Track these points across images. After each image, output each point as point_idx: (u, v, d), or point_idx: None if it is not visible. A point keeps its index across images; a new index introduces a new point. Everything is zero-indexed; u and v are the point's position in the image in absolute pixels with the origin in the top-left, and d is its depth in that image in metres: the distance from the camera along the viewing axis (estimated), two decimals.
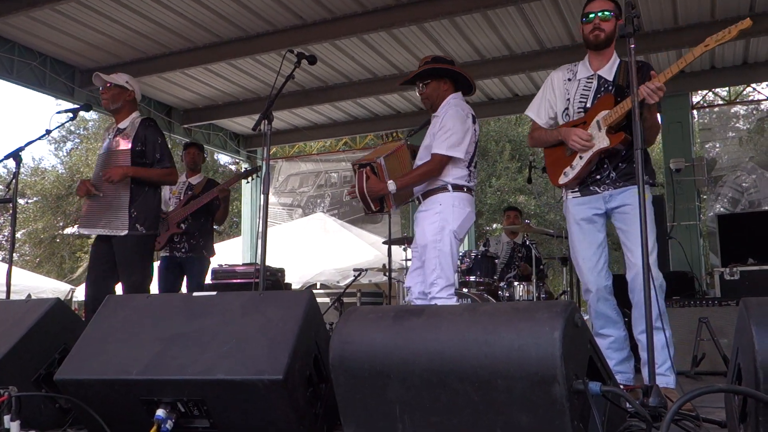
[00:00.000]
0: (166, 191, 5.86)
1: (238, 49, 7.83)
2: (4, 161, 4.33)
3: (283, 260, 8.32)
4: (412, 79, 4.10)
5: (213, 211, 5.87)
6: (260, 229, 3.46)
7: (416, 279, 3.99)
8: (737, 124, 9.61)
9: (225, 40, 7.82)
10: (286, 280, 7.80)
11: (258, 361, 2.17)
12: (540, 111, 3.67)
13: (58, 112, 4.55)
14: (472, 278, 6.44)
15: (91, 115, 19.26)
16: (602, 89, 3.44)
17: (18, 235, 20.00)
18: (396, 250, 7.95)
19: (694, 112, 9.66)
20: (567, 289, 6.68)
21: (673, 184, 8.70)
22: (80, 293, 12.85)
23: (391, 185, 3.83)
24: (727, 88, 9.74)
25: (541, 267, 6.67)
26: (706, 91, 9.65)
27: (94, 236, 4.50)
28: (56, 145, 22.84)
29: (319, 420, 2.39)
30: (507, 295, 6.47)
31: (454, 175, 3.94)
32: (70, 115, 4.55)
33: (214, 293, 2.50)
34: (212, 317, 2.38)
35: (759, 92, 9.75)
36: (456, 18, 7.17)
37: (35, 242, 20.97)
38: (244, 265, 7.67)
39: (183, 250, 5.68)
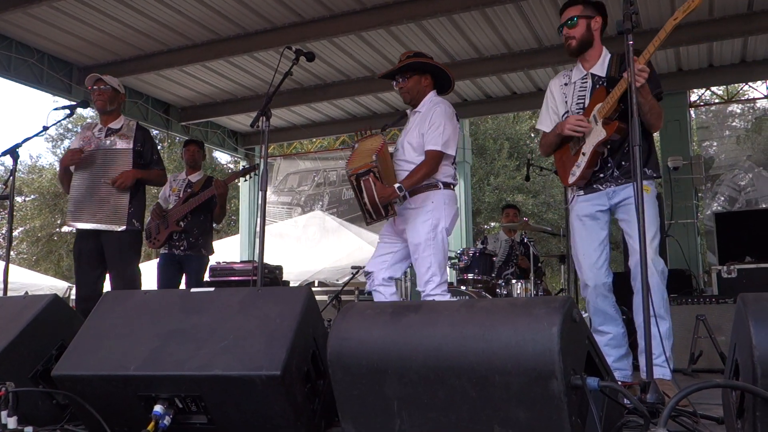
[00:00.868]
0: (166, 189, 5.88)
1: (236, 47, 7.82)
2: (1, 158, 4.32)
3: (281, 258, 8.32)
4: (392, 74, 4.13)
5: (212, 209, 5.86)
6: (258, 227, 3.46)
7: (380, 266, 3.95)
8: (734, 123, 9.61)
9: (223, 38, 7.80)
10: (284, 278, 7.81)
11: (256, 357, 2.17)
12: (546, 121, 3.73)
13: (56, 109, 4.56)
14: (470, 276, 6.44)
15: (88, 113, 19.21)
16: (596, 85, 3.48)
17: (15, 233, 19.98)
18: None
19: (692, 110, 9.67)
20: (565, 286, 6.68)
21: (671, 182, 8.72)
22: None
23: (400, 188, 3.76)
24: (724, 87, 9.74)
25: (539, 264, 6.67)
26: (704, 90, 9.65)
27: (75, 232, 4.53)
28: (53, 143, 22.81)
29: (317, 416, 2.38)
30: (505, 292, 6.47)
31: (444, 173, 3.97)
32: (68, 111, 4.55)
33: (212, 289, 2.50)
34: (210, 313, 2.38)
35: (756, 90, 9.75)
36: (454, 15, 7.16)
37: (32, 240, 20.94)
38: (241, 262, 7.66)
39: (182, 248, 5.68)
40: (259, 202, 3.62)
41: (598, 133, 3.32)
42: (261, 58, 8.36)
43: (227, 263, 7.39)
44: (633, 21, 2.66)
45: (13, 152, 4.24)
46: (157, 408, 2.24)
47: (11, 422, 2.03)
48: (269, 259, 7.04)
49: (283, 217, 11.85)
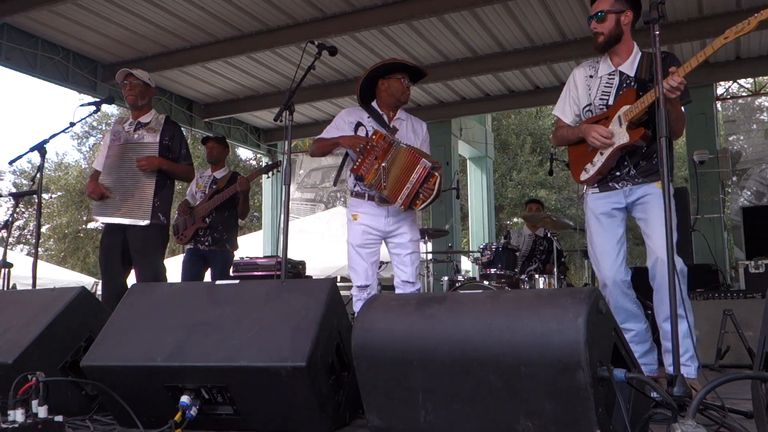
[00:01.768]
0: (192, 185, 5.92)
1: (258, 42, 7.87)
2: (29, 154, 4.37)
3: (304, 254, 8.35)
4: (408, 69, 4.25)
5: (236, 205, 5.89)
6: (282, 222, 3.47)
7: (375, 277, 4.25)
8: (762, 116, 9.46)
9: (245, 33, 7.86)
10: (307, 273, 7.83)
11: (281, 349, 2.18)
12: (565, 109, 3.64)
13: (82, 105, 4.61)
14: (493, 271, 6.40)
15: (113, 110, 19.43)
16: (624, 85, 3.40)
17: (42, 230, 20.27)
18: None
19: (718, 103, 9.53)
20: (588, 282, 6.63)
21: (696, 176, 8.61)
22: None
23: None
24: (752, 79, 9.58)
25: (563, 260, 6.62)
26: (731, 83, 9.51)
27: (102, 227, 4.55)
28: (79, 141, 23.13)
29: (342, 407, 2.39)
30: (528, 287, 6.43)
31: None
32: (93, 108, 4.59)
33: (237, 281, 2.51)
34: (235, 305, 2.40)
35: None
36: (476, 9, 7.14)
37: (59, 237, 21.24)
38: (265, 257, 7.69)
39: (206, 243, 5.73)
40: (283, 197, 3.63)
41: (621, 136, 3.25)
42: (283, 54, 8.40)
43: (251, 258, 7.42)
44: (660, 11, 2.61)
45: (40, 148, 4.28)
46: (184, 399, 2.26)
47: (42, 411, 2.06)
48: (292, 254, 7.04)
49: (306, 213, 11.89)
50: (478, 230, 11.88)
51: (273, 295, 2.39)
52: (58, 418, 2.08)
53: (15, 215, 5.55)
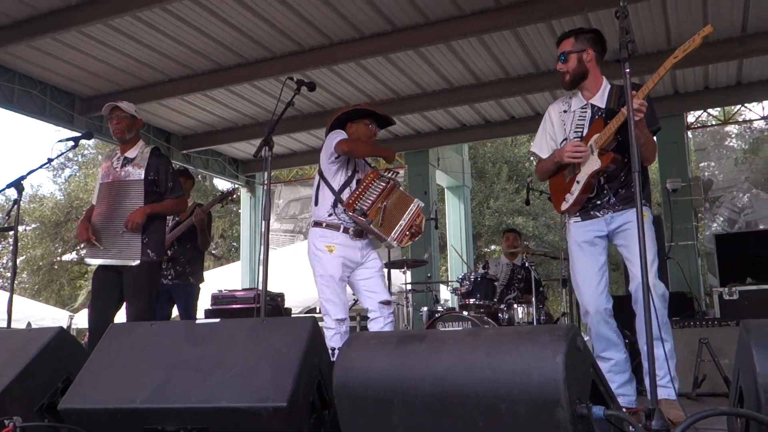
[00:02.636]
0: None
1: (236, 76, 7.91)
2: (5, 190, 4.34)
3: (282, 285, 8.32)
4: (374, 115, 4.43)
5: (192, 238, 5.80)
6: (262, 255, 3.48)
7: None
8: (731, 144, 9.68)
9: (224, 67, 7.90)
10: (286, 305, 7.80)
11: (262, 388, 2.18)
12: (542, 146, 3.78)
13: (60, 141, 4.58)
14: (472, 301, 6.43)
15: (88, 142, 19.32)
16: (596, 116, 3.54)
17: (17, 262, 19.95)
18: (396, 273, 7.96)
19: (689, 132, 9.74)
20: (567, 310, 6.68)
21: (670, 203, 8.74)
22: (79, 320, 12.80)
23: None
24: (720, 109, 9.82)
25: (541, 289, 6.67)
26: (701, 112, 9.73)
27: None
28: (54, 172, 22.89)
29: None
30: (507, 317, 6.46)
31: None
32: (72, 143, 4.57)
33: (217, 320, 2.51)
34: (215, 344, 2.39)
35: (753, 111, 9.82)
36: (452, 42, 7.25)
37: (33, 269, 20.92)
38: (243, 290, 7.67)
39: (170, 277, 5.60)
40: (262, 230, 3.64)
41: (593, 163, 3.38)
42: (261, 87, 8.45)
43: (229, 291, 7.39)
44: (629, 49, 2.70)
45: (18, 185, 4.26)
46: None
47: None
48: (271, 286, 7.04)
49: (285, 244, 11.87)
50: (457, 259, 11.92)
51: (254, 333, 2.39)
52: None
53: None
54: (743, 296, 6.09)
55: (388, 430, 2.01)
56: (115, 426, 2.27)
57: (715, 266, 7.85)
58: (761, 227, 8.96)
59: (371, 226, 4.07)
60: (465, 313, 6.25)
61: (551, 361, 1.79)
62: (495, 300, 6.56)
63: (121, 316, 4.47)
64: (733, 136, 9.71)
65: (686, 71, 8.16)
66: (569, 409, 1.75)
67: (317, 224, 4.29)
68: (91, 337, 4.31)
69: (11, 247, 4.46)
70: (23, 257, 20.54)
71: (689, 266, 8.41)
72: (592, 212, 3.55)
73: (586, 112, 3.60)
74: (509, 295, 7.10)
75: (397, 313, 8.00)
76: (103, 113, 4.52)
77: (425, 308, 7.18)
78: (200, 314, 9.49)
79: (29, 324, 11.38)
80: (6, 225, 4.46)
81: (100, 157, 16.41)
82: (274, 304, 6.99)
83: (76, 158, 22.48)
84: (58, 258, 21.18)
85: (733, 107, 9.86)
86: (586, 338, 2.92)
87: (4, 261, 20.65)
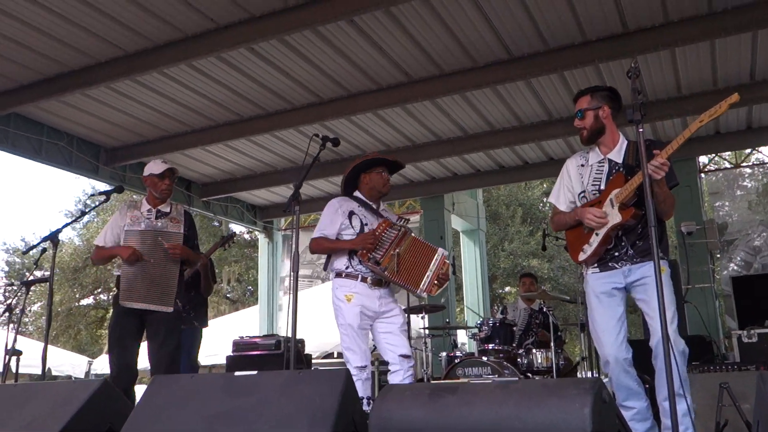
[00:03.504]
0: None
1: (256, 126, 8.14)
2: (42, 244, 4.50)
3: (301, 330, 8.37)
4: (386, 162, 4.60)
5: (195, 284, 5.97)
6: (290, 308, 3.61)
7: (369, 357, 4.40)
8: (745, 183, 9.77)
9: (244, 118, 8.13)
10: (306, 351, 7.88)
11: None
12: (560, 197, 3.89)
13: (92, 194, 4.81)
14: (491, 346, 6.49)
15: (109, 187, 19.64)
16: (613, 171, 3.65)
17: (35, 308, 20.14)
18: (414, 318, 8.03)
19: (702, 175, 9.85)
20: (585, 355, 6.71)
21: (685, 246, 8.81)
22: (98, 365, 12.90)
23: None
24: (733, 153, 9.95)
25: (559, 333, 6.72)
26: (713, 156, 9.86)
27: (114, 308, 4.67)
28: (73, 218, 23.26)
29: None
30: (526, 362, 6.51)
31: None
32: (104, 197, 4.76)
33: (255, 372, 2.62)
34: (253, 396, 2.50)
35: (763, 154, 9.94)
36: (467, 93, 7.46)
37: (53, 315, 21.10)
38: (263, 336, 7.77)
39: None
40: (291, 282, 3.77)
41: (614, 217, 3.48)
42: (281, 136, 8.68)
43: (250, 338, 7.50)
44: (642, 111, 2.84)
45: (53, 238, 4.42)
46: None
47: None
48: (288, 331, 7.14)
49: (303, 288, 11.98)
50: (473, 302, 11.98)
51: (290, 385, 2.50)
52: None
53: (14, 298, 5.65)
54: (762, 338, 6.10)
55: None
56: None
57: (732, 309, 7.88)
58: None
59: (386, 273, 4.20)
60: (484, 358, 6.32)
61: (579, 414, 1.89)
62: (514, 345, 6.62)
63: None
64: (747, 176, 9.81)
65: (696, 116, 8.29)
66: None
67: (338, 275, 4.43)
68: (116, 380, 4.43)
69: (46, 298, 4.62)
70: (40, 303, 20.74)
71: (707, 309, 8.44)
72: (610, 263, 3.63)
73: (603, 166, 3.72)
74: (528, 340, 7.15)
75: (415, 357, 8.07)
76: (154, 170, 4.66)
77: (444, 353, 7.25)
78: (221, 360, 9.58)
79: (49, 370, 11.49)
80: (42, 277, 4.61)
81: (116, 202, 16.66)
82: (296, 350, 7.06)
83: (93, 204, 22.86)
84: (76, 303, 21.37)
85: (745, 150, 10.00)
86: (604, 380, 3.00)
87: (33, 308, 20.80)
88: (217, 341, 10.75)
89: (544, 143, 9.12)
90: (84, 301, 21.67)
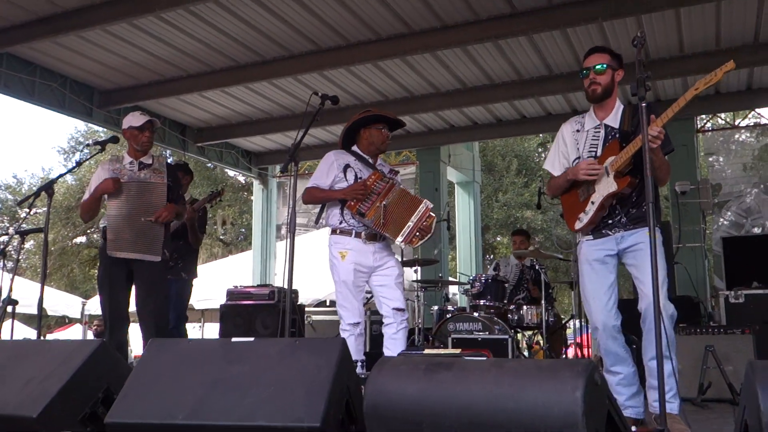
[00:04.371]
0: None
1: (254, 74, 8.03)
2: (39, 194, 4.46)
3: (295, 278, 8.46)
4: (387, 120, 4.57)
5: (183, 234, 5.95)
6: (286, 271, 3.65)
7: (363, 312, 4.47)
8: (741, 148, 9.76)
9: (241, 65, 8.01)
10: (299, 302, 7.98)
11: (296, 408, 2.33)
12: (555, 163, 3.88)
13: (88, 144, 4.78)
14: (482, 302, 6.59)
15: (101, 129, 19.45)
16: (609, 137, 3.63)
17: (28, 245, 20.17)
18: (408, 271, 8.10)
19: (699, 135, 9.82)
20: (574, 313, 6.82)
21: (678, 206, 8.85)
22: (91, 306, 13.01)
23: None
24: (731, 113, 9.89)
25: (550, 291, 6.82)
26: (711, 116, 9.80)
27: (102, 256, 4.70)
28: (66, 156, 23.10)
29: None
30: (516, 318, 6.62)
31: None
32: (100, 147, 4.72)
33: (251, 339, 2.66)
34: (250, 363, 2.54)
35: (763, 117, 9.89)
36: (468, 46, 7.35)
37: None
38: (257, 286, 7.85)
39: None
40: (288, 241, 3.78)
41: (609, 185, 3.48)
42: (279, 84, 8.57)
43: (244, 287, 7.57)
44: (645, 87, 2.81)
45: (48, 188, 4.39)
46: None
47: None
48: (281, 280, 7.20)
49: (298, 235, 12.02)
50: (466, 254, 12.07)
51: (287, 354, 2.54)
52: None
53: (8, 245, 5.65)
54: (749, 300, 6.20)
55: None
56: None
57: (721, 269, 7.98)
58: None
59: (372, 225, 4.22)
60: (475, 313, 6.42)
61: (571, 396, 1.93)
62: (505, 302, 6.72)
63: None
64: (743, 141, 9.80)
65: (697, 77, 8.21)
66: None
67: (333, 231, 4.46)
68: (111, 330, 4.55)
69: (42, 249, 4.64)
70: (33, 241, 20.78)
71: (696, 269, 8.53)
72: (603, 230, 3.66)
73: (599, 132, 3.70)
74: (518, 295, 7.25)
75: (408, 308, 8.16)
76: (133, 123, 4.67)
77: (436, 307, 7.35)
78: (214, 305, 9.66)
79: (45, 311, 11.57)
80: (36, 227, 4.61)
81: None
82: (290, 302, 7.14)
83: (87, 142, 22.67)
84: (70, 242, 21.42)
85: (743, 112, 9.94)
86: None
87: (15, 245, 20.83)
88: (210, 286, 10.83)
89: (543, 98, 9.03)
90: (78, 239, 21.71)
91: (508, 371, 2.12)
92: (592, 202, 3.60)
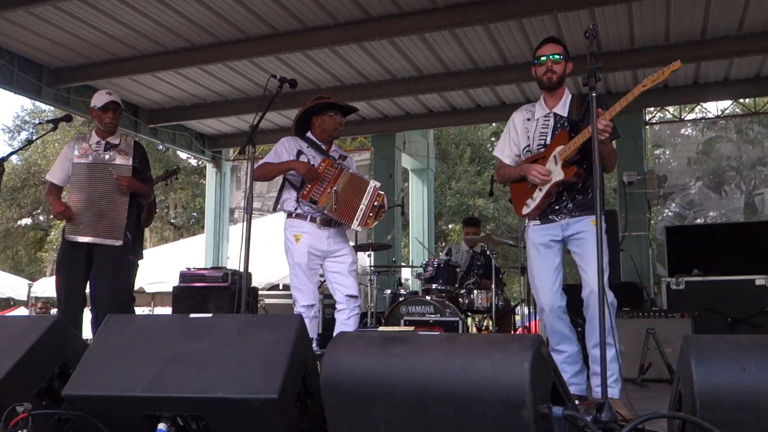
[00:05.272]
0: None
1: (209, 55, 7.95)
2: None
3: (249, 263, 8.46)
4: (338, 107, 4.63)
5: (139, 215, 5.94)
6: (242, 252, 3.68)
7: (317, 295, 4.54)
8: (686, 142, 10.12)
9: (197, 46, 7.92)
10: (253, 284, 7.98)
11: (254, 381, 2.38)
12: (505, 150, 4.00)
13: (40, 123, 4.69)
14: (435, 286, 6.73)
15: (48, 108, 18.95)
16: (558, 126, 3.77)
17: None
18: (361, 255, 8.18)
19: (647, 127, 10.13)
20: (524, 297, 7.01)
21: (625, 195, 9.13)
22: (38, 288, 12.73)
23: None
24: (678, 107, 10.22)
25: (500, 276, 6.99)
26: (659, 109, 10.11)
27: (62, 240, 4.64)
28: (10, 135, 22.42)
29: None
30: (467, 301, 6.79)
31: None
32: (52, 126, 4.65)
33: (210, 315, 2.70)
34: (209, 338, 2.58)
35: (708, 111, 10.26)
36: (425, 34, 7.42)
37: None
38: (211, 269, 7.83)
39: None
40: (244, 228, 3.82)
41: (556, 174, 3.62)
42: (234, 67, 8.50)
43: (197, 269, 7.55)
44: (597, 77, 2.93)
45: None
46: (161, 426, 2.43)
47: None
48: (234, 263, 7.21)
49: (253, 219, 11.97)
50: (420, 236, 12.21)
51: (245, 329, 2.59)
52: None
53: None
54: (689, 286, 6.49)
55: (370, 423, 2.24)
56: (116, 412, 2.46)
57: (664, 257, 8.28)
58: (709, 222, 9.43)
59: (326, 212, 4.29)
60: (428, 297, 6.56)
61: (519, 368, 2.03)
62: (456, 285, 6.87)
63: None
64: (688, 135, 10.16)
65: (647, 71, 8.48)
66: (533, 409, 2.00)
67: (288, 215, 4.51)
68: (66, 311, 4.48)
69: None
70: None
71: (640, 256, 8.82)
72: (550, 216, 3.80)
73: (549, 120, 3.83)
74: (468, 281, 7.41)
75: (361, 292, 8.25)
76: (96, 102, 4.60)
77: (389, 291, 7.46)
78: (166, 288, 9.58)
79: None
80: None
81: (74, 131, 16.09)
82: (241, 284, 7.15)
83: (33, 121, 22.03)
84: (14, 224, 20.84)
85: (689, 106, 10.28)
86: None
87: None
88: (161, 269, 10.73)
89: (498, 88, 9.18)
90: (23, 221, 21.15)
91: (460, 345, 2.22)
92: (540, 189, 3.74)
